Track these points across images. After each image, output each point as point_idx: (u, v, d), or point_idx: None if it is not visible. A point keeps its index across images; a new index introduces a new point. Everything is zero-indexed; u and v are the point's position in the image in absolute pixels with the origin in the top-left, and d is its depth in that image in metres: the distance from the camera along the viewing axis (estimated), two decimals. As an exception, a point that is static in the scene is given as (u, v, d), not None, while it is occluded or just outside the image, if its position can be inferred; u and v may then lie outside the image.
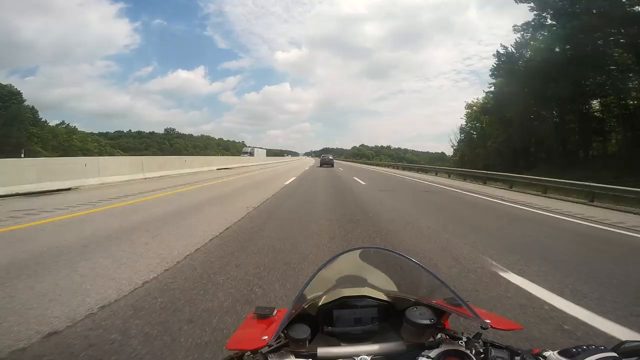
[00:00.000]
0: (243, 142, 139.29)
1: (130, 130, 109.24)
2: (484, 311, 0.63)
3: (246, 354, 0.57)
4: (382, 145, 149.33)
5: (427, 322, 0.55)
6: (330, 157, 32.72)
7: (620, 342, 0.52)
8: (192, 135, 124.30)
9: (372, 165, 42.91)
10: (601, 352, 0.47)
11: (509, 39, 46.77)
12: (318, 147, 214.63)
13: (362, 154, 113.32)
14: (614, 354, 0.48)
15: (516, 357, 0.52)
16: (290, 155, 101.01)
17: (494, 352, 0.53)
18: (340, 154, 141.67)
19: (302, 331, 0.58)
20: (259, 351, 0.56)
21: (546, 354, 0.52)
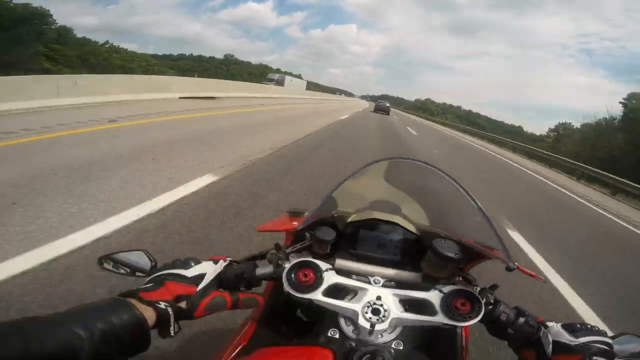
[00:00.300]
0: (299, 74, 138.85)
1: (192, 53, 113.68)
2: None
3: (270, 252, 0.60)
4: (451, 104, 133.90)
5: (451, 255, 0.54)
6: (387, 105, 30.38)
7: (621, 333, 0.54)
8: (250, 63, 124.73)
9: (436, 122, 37.67)
10: (598, 335, 0.50)
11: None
12: (376, 93, 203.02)
13: (426, 109, 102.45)
14: (608, 341, 0.50)
15: (521, 318, 0.53)
16: (343, 95, 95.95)
17: (502, 307, 0.54)
18: (400, 103, 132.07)
19: (328, 233, 0.59)
20: (282, 249, 0.60)
21: (549, 324, 0.54)
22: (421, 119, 38.52)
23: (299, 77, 68.61)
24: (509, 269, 0.54)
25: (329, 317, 0.53)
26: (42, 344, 0.30)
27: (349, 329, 0.50)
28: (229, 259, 0.59)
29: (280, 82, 35.25)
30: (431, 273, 0.57)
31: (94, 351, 0.33)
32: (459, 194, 0.67)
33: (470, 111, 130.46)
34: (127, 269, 0.57)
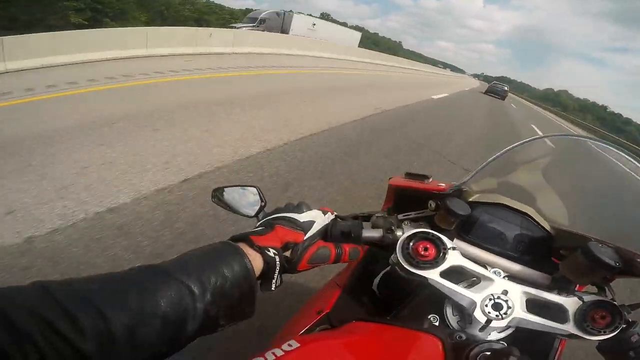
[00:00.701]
0: (390, 39, 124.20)
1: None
2: None
3: (376, 215, 0.58)
4: (594, 102, 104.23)
5: (611, 262, 0.47)
6: (505, 88, 24.89)
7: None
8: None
9: (567, 121, 28.74)
10: None
11: None
12: (494, 74, 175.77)
13: (559, 102, 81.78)
14: None
15: None
16: (448, 70, 72.65)
17: (636, 328, 0.48)
18: (523, 90, 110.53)
19: (463, 207, 0.54)
20: (395, 214, 0.57)
21: None
22: (551, 116, 29.32)
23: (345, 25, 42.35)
24: None
25: (432, 300, 0.49)
26: (155, 299, 0.30)
27: (454, 319, 0.47)
28: (335, 213, 0.56)
29: (272, 24, 18.85)
30: (570, 277, 0.52)
31: (203, 315, 0.33)
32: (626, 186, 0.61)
33: (619, 114, 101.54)
34: (237, 205, 0.57)
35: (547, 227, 0.60)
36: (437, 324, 0.47)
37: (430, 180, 0.70)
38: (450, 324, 0.47)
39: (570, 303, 0.47)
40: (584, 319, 0.45)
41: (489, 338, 0.45)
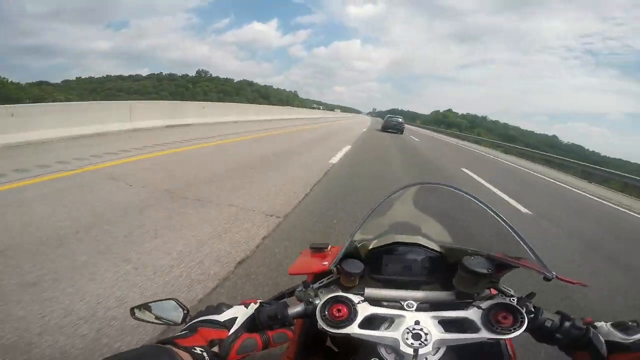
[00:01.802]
0: (285, 89, 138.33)
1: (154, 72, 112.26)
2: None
3: (298, 290, 0.64)
4: (475, 114, 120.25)
5: (484, 271, 0.58)
6: (400, 120, 23.87)
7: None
8: (227, 78, 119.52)
9: (474, 143, 26.67)
10: None
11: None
12: (384, 108, 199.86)
13: (450, 122, 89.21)
14: None
15: (566, 322, 0.55)
16: (338, 111, 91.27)
17: (545, 314, 0.57)
18: (413, 118, 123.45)
19: (355, 266, 0.63)
20: (310, 286, 0.63)
21: (597, 324, 0.56)
22: (454, 141, 27.49)
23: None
24: (547, 279, 0.57)
25: (367, 346, 0.55)
26: None
27: (390, 356, 0.52)
28: (259, 301, 0.62)
29: None
30: (465, 290, 0.61)
31: None
32: (479, 209, 0.70)
33: (496, 122, 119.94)
34: (159, 319, 0.61)
35: (437, 248, 0.74)
36: None
37: (329, 248, 0.87)
38: None
39: (472, 314, 0.55)
40: (490, 323, 0.52)
41: None
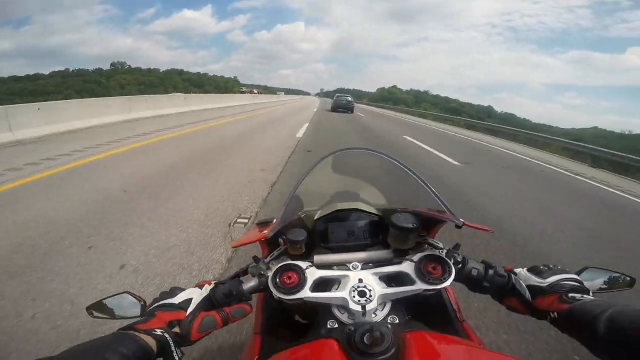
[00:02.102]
0: (235, 77, 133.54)
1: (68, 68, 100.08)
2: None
3: (251, 266, 0.67)
4: (418, 90, 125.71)
5: (409, 225, 0.65)
6: (349, 99, 24.00)
7: (583, 268, 0.64)
8: (151, 69, 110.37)
9: (422, 118, 26.82)
10: (564, 273, 0.59)
11: None
12: (331, 88, 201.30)
13: (396, 99, 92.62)
14: (576, 277, 0.59)
15: (490, 270, 0.63)
16: (283, 94, 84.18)
17: (470, 263, 0.64)
18: (360, 96, 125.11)
19: (299, 234, 0.69)
20: (262, 260, 0.68)
21: (516, 270, 0.64)
22: (401, 116, 28.52)
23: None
24: (457, 227, 0.67)
25: (324, 310, 0.59)
26: None
27: (343, 316, 0.56)
28: (213, 282, 0.64)
29: None
30: (399, 246, 0.69)
31: None
32: (404, 173, 0.79)
33: (437, 95, 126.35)
34: (117, 313, 0.62)
35: (374, 211, 0.82)
36: (336, 326, 0.55)
37: (274, 220, 0.83)
38: (343, 321, 0.55)
39: (407, 267, 0.60)
40: (423, 274, 0.58)
41: (376, 318, 0.56)
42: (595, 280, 0.62)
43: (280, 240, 0.73)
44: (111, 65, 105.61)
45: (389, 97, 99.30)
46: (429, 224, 0.77)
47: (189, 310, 0.55)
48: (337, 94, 26.95)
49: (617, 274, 0.64)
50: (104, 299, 0.63)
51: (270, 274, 0.61)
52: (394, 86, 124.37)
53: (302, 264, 0.61)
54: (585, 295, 0.54)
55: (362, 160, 0.90)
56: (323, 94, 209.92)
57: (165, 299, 0.57)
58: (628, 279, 0.64)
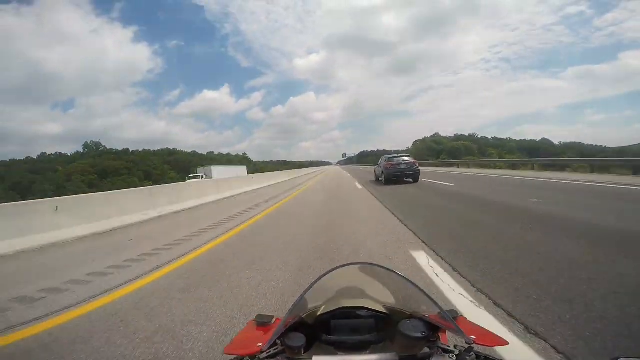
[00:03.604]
0: (244, 154, 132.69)
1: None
2: (474, 326, 0.88)
3: (245, 359, 0.73)
4: (462, 134, 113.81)
5: (418, 335, 0.67)
6: (410, 160, 16.55)
7: (613, 358, 0.67)
8: (120, 150, 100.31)
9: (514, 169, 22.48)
10: None
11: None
12: (351, 153, 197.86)
13: (444, 150, 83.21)
14: None
15: None
16: (296, 167, 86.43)
17: None
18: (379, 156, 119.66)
19: (298, 339, 0.71)
20: (257, 357, 0.71)
21: None
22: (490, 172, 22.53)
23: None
24: (467, 343, 0.70)
25: None
26: None
27: None
28: None
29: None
30: (407, 353, 0.69)
31: None
32: (411, 285, 0.86)
33: (483, 137, 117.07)
34: None
35: (382, 309, 0.84)
36: None
37: (274, 320, 0.96)
38: None
39: None
40: None
41: None
42: None
43: (278, 341, 0.73)
44: (84, 146, 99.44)
45: (435, 149, 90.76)
46: (435, 327, 0.75)
47: None
48: (385, 156, 18.37)
49: None
50: None
51: None
52: (436, 134, 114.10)
53: None
54: None
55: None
56: (344, 161, 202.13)
57: None
58: None
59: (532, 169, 20.84)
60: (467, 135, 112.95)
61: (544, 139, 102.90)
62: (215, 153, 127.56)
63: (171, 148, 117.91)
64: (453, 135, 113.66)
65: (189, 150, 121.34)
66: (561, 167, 18.74)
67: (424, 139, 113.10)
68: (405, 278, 0.88)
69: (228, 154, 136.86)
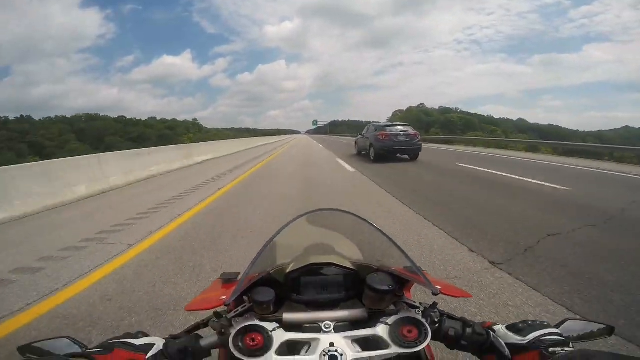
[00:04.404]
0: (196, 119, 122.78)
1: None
2: (438, 280, 0.83)
3: (211, 320, 0.69)
4: (447, 107, 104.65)
5: (385, 288, 0.68)
6: (411, 132, 13.13)
7: (562, 320, 0.68)
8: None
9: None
10: (545, 328, 0.63)
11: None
12: (322, 123, 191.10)
13: (431, 121, 77.27)
14: (556, 330, 0.64)
15: (468, 328, 0.67)
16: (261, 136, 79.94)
17: (447, 323, 0.68)
18: (358, 128, 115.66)
19: (267, 294, 0.69)
20: (224, 316, 0.68)
21: (495, 327, 0.68)
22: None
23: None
24: (434, 294, 0.67)
25: None
26: None
27: None
28: (168, 336, 0.66)
29: None
30: (374, 307, 0.70)
31: None
32: (379, 234, 0.84)
33: (457, 110, 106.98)
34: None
35: (350, 265, 0.84)
36: None
37: (239, 277, 0.91)
38: None
39: (381, 330, 0.62)
40: (398, 338, 0.60)
41: None
42: (575, 332, 0.66)
43: (245, 297, 0.73)
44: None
45: (424, 122, 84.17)
46: (404, 282, 0.76)
47: (150, 354, 0.58)
48: (372, 124, 14.60)
49: (597, 324, 0.67)
50: (38, 341, 0.63)
51: (232, 332, 0.61)
52: (422, 105, 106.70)
53: (269, 326, 0.62)
54: (566, 348, 0.57)
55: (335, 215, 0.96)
56: (314, 130, 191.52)
57: (127, 339, 0.61)
58: (607, 327, 0.67)
59: (554, 153, 17.50)
60: (453, 108, 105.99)
61: (520, 119, 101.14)
62: (159, 119, 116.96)
63: (96, 114, 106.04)
64: (438, 108, 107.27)
65: (142, 118, 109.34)
66: (589, 154, 14.63)
67: (410, 109, 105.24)
68: (375, 227, 0.85)
69: (174, 119, 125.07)
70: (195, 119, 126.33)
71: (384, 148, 12.36)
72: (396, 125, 13.27)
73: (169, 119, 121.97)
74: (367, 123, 16.88)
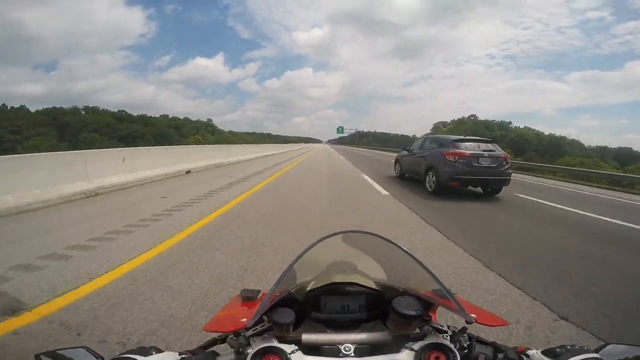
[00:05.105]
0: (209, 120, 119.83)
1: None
2: (471, 305, 0.84)
3: (229, 337, 0.71)
4: (502, 120, 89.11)
5: (412, 313, 0.68)
6: (498, 154, 9.05)
7: (603, 344, 0.67)
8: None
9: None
10: (585, 353, 0.61)
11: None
12: (345, 133, 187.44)
13: (496, 136, 61.31)
14: (597, 356, 0.61)
15: (499, 354, 0.65)
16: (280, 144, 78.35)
17: (477, 348, 0.66)
18: (385, 140, 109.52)
19: (286, 315, 0.70)
20: (242, 334, 0.69)
21: (530, 352, 0.66)
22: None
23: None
24: (468, 322, 0.66)
25: None
26: None
27: None
28: (185, 351, 0.68)
29: None
30: (399, 331, 0.71)
31: None
32: (408, 257, 0.82)
33: (502, 121, 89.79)
34: None
35: (373, 285, 0.85)
36: None
37: (260, 295, 0.96)
38: None
39: (405, 357, 0.61)
40: None
41: None
42: (617, 356, 0.62)
43: (265, 317, 0.72)
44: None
45: (484, 136, 76.12)
46: (429, 305, 0.75)
47: None
48: (437, 137, 10.67)
49: None
50: (58, 350, 0.64)
51: (250, 352, 0.61)
52: (473, 116, 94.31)
53: (287, 348, 0.62)
54: None
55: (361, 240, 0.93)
56: (336, 141, 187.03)
57: (138, 354, 0.62)
58: None
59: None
60: (506, 122, 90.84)
61: (573, 140, 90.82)
62: (182, 118, 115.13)
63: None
64: (495, 120, 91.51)
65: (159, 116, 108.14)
66: None
67: (463, 120, 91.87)
68: (403, 249, 0.83)
69: (186, 118, 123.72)
70: (209, 119, 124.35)
71: (456, 175, 8.47)
72: (475, 142, 9.26)
73: (194, 119, 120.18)
74: (395, 136, 13.68)
